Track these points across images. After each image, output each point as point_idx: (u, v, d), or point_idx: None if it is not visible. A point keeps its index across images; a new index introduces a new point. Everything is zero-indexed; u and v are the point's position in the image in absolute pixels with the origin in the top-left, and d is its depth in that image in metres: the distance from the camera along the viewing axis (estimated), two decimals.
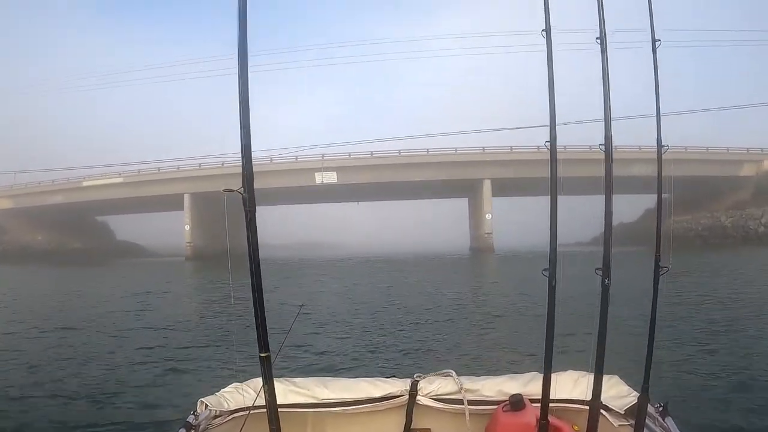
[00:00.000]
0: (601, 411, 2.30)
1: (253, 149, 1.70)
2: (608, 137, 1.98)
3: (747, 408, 4.49)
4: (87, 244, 56.38)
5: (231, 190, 1.63)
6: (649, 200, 55.05)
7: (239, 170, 1.70)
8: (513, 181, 44.27)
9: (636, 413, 2.17)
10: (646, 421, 2.18)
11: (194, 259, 45.92)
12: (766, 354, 6.43)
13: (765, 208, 37.98)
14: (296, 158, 46.67)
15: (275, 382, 2.06)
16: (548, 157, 2.05)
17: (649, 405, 2.23)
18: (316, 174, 46.54)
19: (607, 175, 1.99)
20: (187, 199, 49.21)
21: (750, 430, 4.06)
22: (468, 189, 48.80)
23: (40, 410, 4.84)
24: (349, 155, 46.58)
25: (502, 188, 46.44)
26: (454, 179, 45.72)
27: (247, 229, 1.66)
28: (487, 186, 45.82)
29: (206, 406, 2.41)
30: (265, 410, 1.92)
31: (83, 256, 49.80)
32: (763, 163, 46.22)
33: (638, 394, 2.27)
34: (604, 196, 2.02)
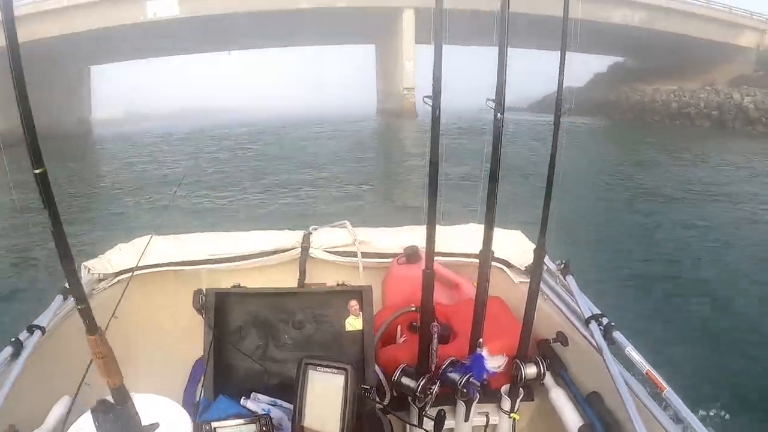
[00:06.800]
0: (502, 266, 2.27)
1: None
2: None
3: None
4: None
5: None
6: (609, 62, 44.49)
7: None
8: (446, 15, 29.32)
9: (533, 267, 1.87)
10: (547, 277, 2.06)
11: None
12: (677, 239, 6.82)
13: None
14: None
15: (163, 239, 2.29)
16: None
17: (550, 262, 2.11)
18: (147, 3, 30.07)
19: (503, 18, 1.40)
20: None
21: (642, 298, 4.66)
22: (378, 28, 33.68)
23: None
24: None
25: (429, 29, 31.71)
26: (357, 6, 30.19)
27: None
28: (408, 19, 30.81)
29: (89, 270, 2.22)
30: (149, 270, 1.96)
31: None
32: (767, 34, 34.73)
33: None
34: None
